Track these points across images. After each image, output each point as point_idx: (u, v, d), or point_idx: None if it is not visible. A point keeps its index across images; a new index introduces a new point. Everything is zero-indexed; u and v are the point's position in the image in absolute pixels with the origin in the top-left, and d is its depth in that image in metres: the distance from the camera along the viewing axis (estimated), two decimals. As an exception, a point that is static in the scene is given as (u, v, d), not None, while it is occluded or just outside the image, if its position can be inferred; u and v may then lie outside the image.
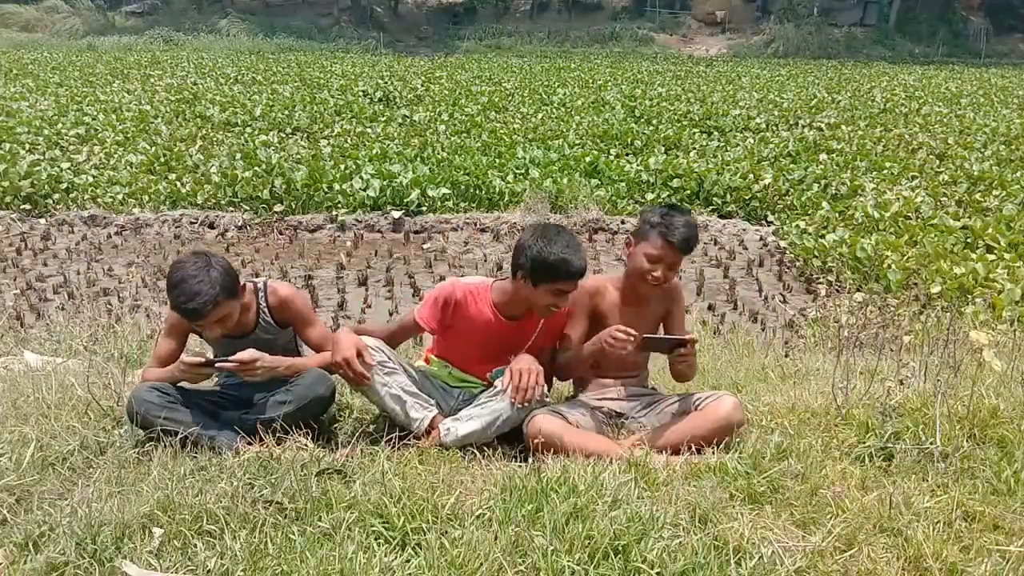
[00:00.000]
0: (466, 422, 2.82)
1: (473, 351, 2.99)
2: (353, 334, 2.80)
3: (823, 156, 10.67)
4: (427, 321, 2.92)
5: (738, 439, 2.76)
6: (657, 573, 1.96)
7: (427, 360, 3.13)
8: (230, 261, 2.86)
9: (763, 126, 13.27)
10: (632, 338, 2.66)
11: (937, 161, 10.33)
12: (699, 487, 2.38)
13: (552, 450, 2.67)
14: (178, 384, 2.84)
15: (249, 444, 2.72)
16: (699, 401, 2.81)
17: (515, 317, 2.91)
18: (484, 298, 2.91)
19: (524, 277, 2.75)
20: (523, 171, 9.72)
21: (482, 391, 3.02)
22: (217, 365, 2.73)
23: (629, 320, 2.89)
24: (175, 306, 2.68)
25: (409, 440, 2.82)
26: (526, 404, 2.75)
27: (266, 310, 2.95)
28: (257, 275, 6.86)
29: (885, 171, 9.76)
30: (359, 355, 2.72)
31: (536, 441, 2.68)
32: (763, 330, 5.75)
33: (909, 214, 7.74)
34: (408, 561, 2.02)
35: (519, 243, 2.80)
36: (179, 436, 2.66)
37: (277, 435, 2.70)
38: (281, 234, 8.33)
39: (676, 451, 2.70)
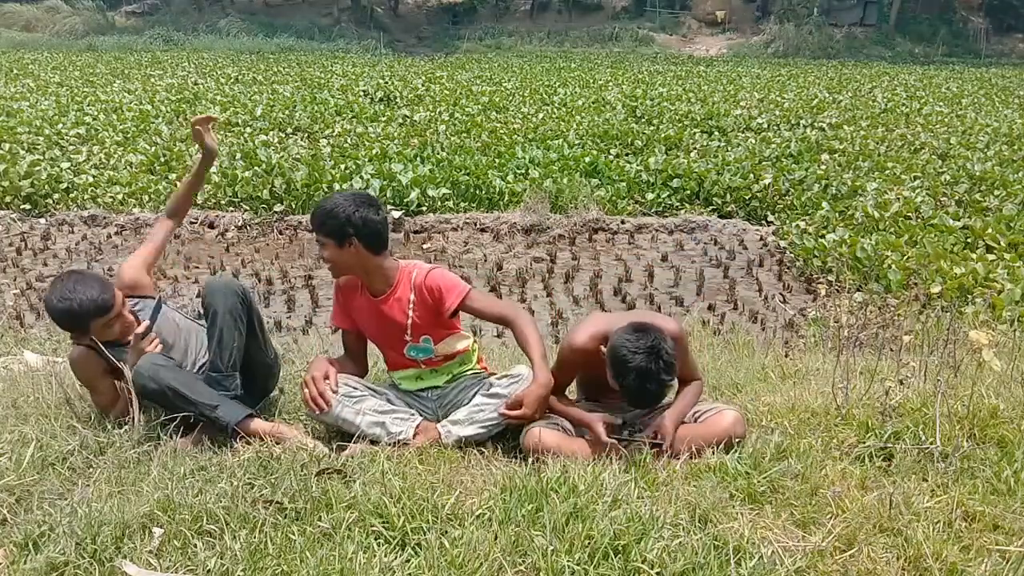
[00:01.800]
0: (467, 426, 2.83)
1: (376, 337, 3.01)
2: (319, 359, 2.93)
3: (825, 156, 10.66)
4: (337, 321, 3.04)
5: (738, 439, 2.75)
6: (657, 573, 1.96)
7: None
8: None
9: (765, 126, 13.25)
10: (608, 440, 2.62)
11: (939, 161, 10.32)
12: (699, 487, 2.39)
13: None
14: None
15: (252, 416, 2.78)
16: (699, 413, 2.79)
17: (380, 292, 2.90)
18: (355, 284, 2.98)
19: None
20: (523, 171, 9.72)
21: (446, 381, 3.00)
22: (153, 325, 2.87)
23: None
24: (81, 314, 2.72)
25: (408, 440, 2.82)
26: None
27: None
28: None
29: (887, 171, 9.76)
30: (326, 377, 2.81)
31: (533, 454, 2.66)
32: (763, 330, 5.75)
33: (909, 214, 7.74)
34: (408, 561, 2.02)
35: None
36: (182, 429, 2.70)
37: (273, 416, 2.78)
38: (281, 234, 8.33)
39: (676, 457, 2.69)
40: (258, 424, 2.78)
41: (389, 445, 2.73)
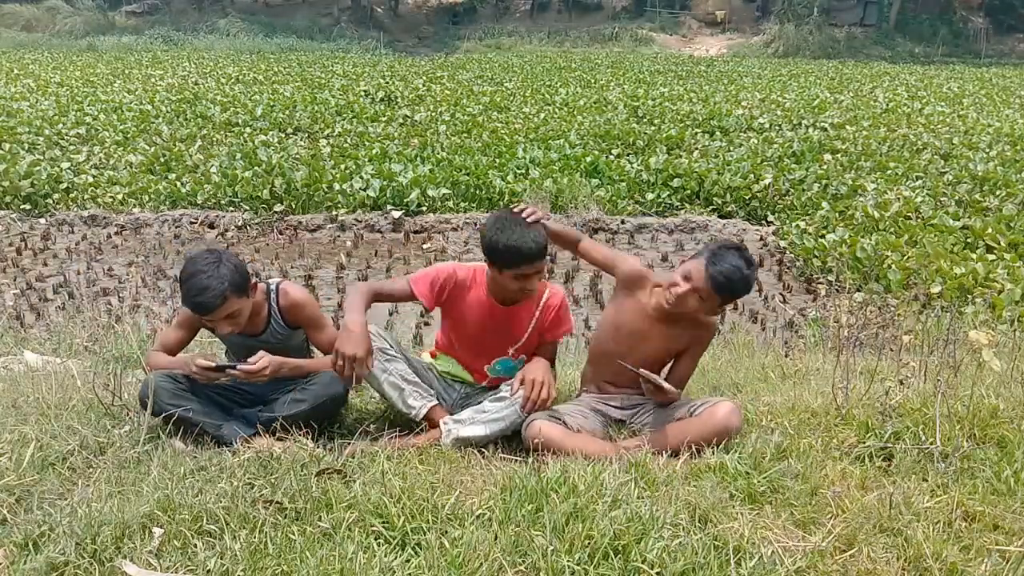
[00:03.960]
0: (468, 426, 2.82)
1: (471, 337, 3.00)
2: (366, 330, 2.62)
3: (827, 156, 10.65)
4: (421, 293, 2.84)
5: (738, 439, 2.75)
6: (657, 573, 1.96)
7: (433, 355, 3.15)
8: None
9: (767, 126, 13.24)
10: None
11: (942, 161, 10.31)
12: (699, 487, 2.38)
13: (551, 451, 2.67)
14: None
15: (256, 435, 2.76)
16: (695, 407, 2.80)
17: (507, 303, 2.91)
18: (482, 281, 2.94)
19: (489, 264, 2.80)
20: (523, 171, 9.72)
21: (482, 389, 3.03)
22: (228, 372, 2.76)
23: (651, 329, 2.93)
24: (185, 299, 2.73)
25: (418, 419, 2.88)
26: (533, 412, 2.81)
27: (277, 312, 2.97)
28: (259, 274, 6.85)
29: (889, 171, 9.75)
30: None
31: (535, 443, 2.69)
32: (763, 330, 5.75)
33: (909, 214, 7.74)
34: (408, 561, 2.01)
35: (481, 232, 2.83)
36: (182, 429, 2.72)
37: (283, 431, 2.74)
38: (281, 234, 8.33)
39: (675, 454, 2.69)
40: (260, 441, 2.78)
41: (389, 445, 2.73)
